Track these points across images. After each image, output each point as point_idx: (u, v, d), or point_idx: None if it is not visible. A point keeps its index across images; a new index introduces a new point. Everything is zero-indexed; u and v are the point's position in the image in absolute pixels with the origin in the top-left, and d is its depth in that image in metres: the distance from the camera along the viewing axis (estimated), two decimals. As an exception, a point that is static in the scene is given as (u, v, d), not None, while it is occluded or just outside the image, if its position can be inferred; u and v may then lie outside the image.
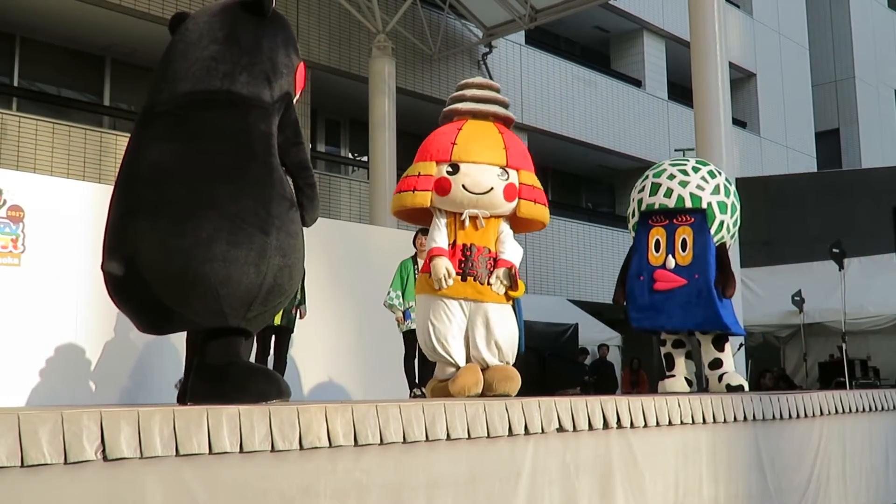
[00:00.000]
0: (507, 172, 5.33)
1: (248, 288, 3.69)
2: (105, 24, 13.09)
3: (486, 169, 5.31)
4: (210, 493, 2.94)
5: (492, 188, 5.28)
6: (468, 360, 5.33)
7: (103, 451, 2.70)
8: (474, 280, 5.24)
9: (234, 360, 3.83)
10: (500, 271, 5.24)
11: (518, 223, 5.54)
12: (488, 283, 5.24)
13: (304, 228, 4.10)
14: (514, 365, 5.41)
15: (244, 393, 3.65)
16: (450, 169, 5.33)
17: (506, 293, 5.28)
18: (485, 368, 5.27)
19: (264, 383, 3.83)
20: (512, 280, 5.26)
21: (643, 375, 16.02)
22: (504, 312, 5.31)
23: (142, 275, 3.60)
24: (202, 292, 3.61)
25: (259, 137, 3.86)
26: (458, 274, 5.25)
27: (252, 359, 7.20)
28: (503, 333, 5.29)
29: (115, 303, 3.86)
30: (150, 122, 3.89)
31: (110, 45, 13.78)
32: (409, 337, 7.69)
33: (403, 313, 7.64)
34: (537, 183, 5.53)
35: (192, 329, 3.93)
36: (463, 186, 5.29)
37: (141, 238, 3.60)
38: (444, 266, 5.22)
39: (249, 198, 3.71)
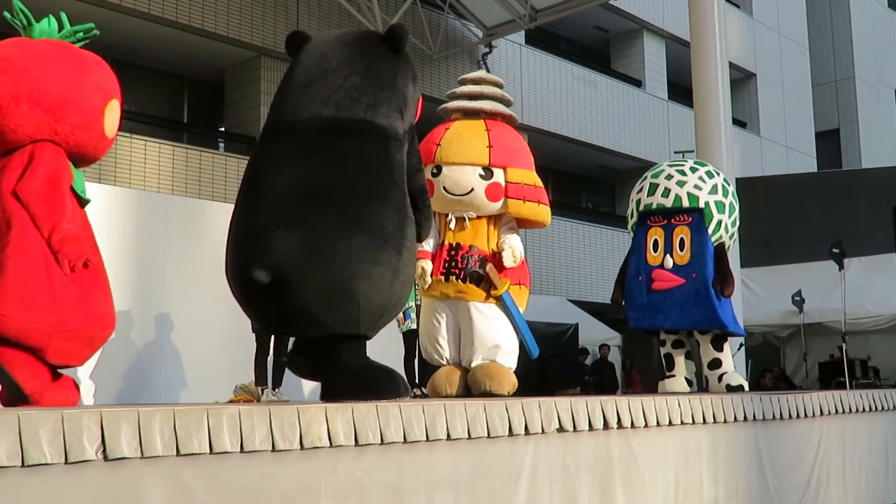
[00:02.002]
0: (490, 172, 5.21)
1: (383, 302, 4.11)
2: (105, 25, 13.09)
3: (466, 169, 5.22)
4: (210, 493, 2.95)
5: (472, 189, 5.19)
6: (459, 359, 5.32)
7: (104, 451, 2.71)
8: (456, 279, 5.19)
9: (367, 361, 4.25)
10: (488, 266, 5.18)
11: (519, 220, 5.44)
12: (470, 282, 5.17)
13: None
14: (517, 364, 5.35)
15: (379, 392, 4.01)
16: (434, 171, 5.28)
17: (488, 292, 5.18)
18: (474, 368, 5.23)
19: (392, 383, 4.16)
20: (491, 277, 5.14)
21: (635, 375, 16.09)
22: (488, 311, 5.21)
23: (292, 285, 3.89)
24: (347, 305, 3.99)
25: (397, 166, 4.24)
26: (441, 274, 5.22)
27: (252, 360, 7.24)
28: (488, 331, 5.20)
29: (251, 306, 4.17)
30: (288, 140, 4.14)
31: (110, 45, 13.79)
32: (409, 337, 7.70)
33: (403, 313, 7.64)
34: (532, 180, 5.32)
35: (322, 334, 4.15)
36: (444, 188, 5.24)
37: (293, 251, 3.90)
38: (419, 266, 5.13)
39: (390, 222, 4.09)
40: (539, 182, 5.42)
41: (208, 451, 2.93)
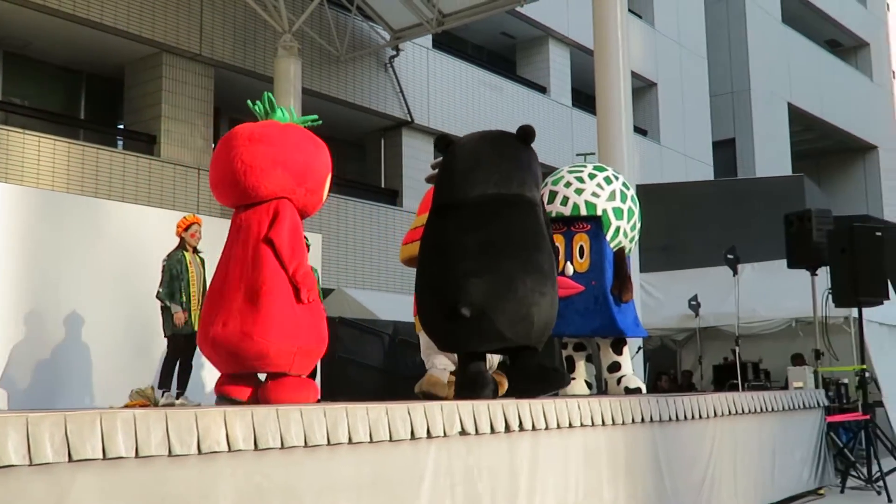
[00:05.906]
0: None
1: (548, 321, 5.58)
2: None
3: None
4: (105, 499, 2.86)
5: None
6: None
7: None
8: None
9: (539, 363, 5.63)
10: None
11: None
12: None
13: None
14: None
15: (551, 384, 5.61)
16: None
17: None
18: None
19: (559, 376, 5.82)
20: None
21: None
22: None
23: (488, 315, 5.33)
24: (527, 325, 5.43)
25: (544, 224, 5.75)
26: None
27: (152, 362, 7.07)
28: None
29: (454, 332, 5.51)
30: (463, 212, 5.57)
31: (3, 37, 13.30)
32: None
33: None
34: None
35: (508, 346, 5.62)
36: None
37: (485, 292, 5.33)
38: None
39: (546, 263, 5.58)
40: None
41: (101, 456, 2.85)
